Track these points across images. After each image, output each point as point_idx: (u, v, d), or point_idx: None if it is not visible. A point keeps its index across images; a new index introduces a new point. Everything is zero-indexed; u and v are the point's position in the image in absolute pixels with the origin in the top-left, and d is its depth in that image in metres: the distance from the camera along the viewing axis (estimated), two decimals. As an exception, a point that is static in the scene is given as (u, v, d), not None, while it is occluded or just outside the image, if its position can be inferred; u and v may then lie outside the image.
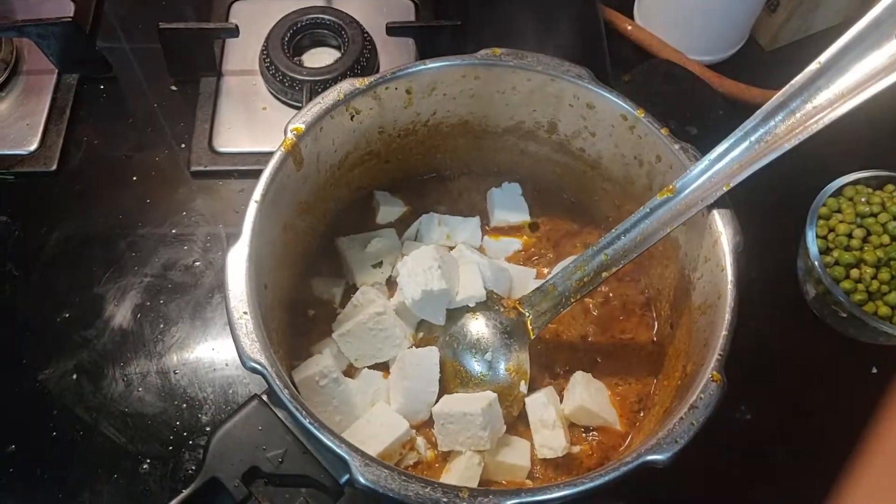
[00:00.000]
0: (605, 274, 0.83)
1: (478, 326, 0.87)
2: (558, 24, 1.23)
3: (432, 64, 0.86)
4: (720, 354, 0.71)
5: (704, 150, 0.79)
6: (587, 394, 0.86)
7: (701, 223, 0.80)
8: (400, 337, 0.88)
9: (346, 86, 0.83)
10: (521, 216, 1.00)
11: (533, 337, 0.87)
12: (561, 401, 0.87)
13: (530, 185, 1.02)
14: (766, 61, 1.28)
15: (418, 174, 1.02)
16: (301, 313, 0.92)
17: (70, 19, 1.10)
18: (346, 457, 0.65)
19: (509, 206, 0.99)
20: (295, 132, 0.80)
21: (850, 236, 0.98)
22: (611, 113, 0.87)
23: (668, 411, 0.74)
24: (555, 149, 0.96)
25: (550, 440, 0.84)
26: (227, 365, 0.98)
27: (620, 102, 0.85)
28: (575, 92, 0.87)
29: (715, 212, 0.78)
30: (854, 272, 0.97)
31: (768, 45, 1.28)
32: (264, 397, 0.71)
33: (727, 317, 0.73)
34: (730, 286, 0.75)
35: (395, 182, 1.01)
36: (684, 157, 0.81)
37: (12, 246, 1.05)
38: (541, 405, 0.84)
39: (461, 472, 0.81)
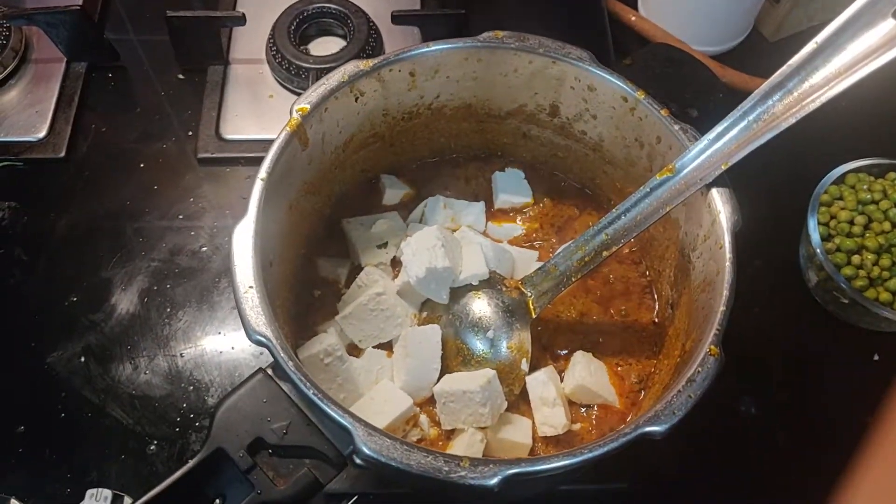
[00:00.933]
0: (605, 253, 0.83)
1: (480, 305, 0.88)
2: (562, 13, 1.24)
3: (435, 46, 0.87)
4: (718, 329, 0.72)
5: (704, 131, 0.79)
6: (587, 373, 0.86)
7: (700, 202, 0.81)
8: (402, 316, 0.88)
9: (350, 67, 0.84)
10: (525, 198, 1.00)
11: (535, 316, 0.87)
12: (562, 381, 0.88)
13: (533, 169, 1.02)
14: (769, 52, 1.28)
15: (422, 158, 1.03)
16: (307, 293, 0.93)
17: (78, 7, 1.11)
18: (350, 427, 0.65)
19: (513, 188, 1.00)
20: (300, 112, 0.81)
21: (851, 223, 0.99)
22: (611, 95, 0.87)
23: (667, 387, 0.75)
24: (557, 132, 0.97)
25: (551, 418, 0.84)
26: (233, 348, 0.99)
27: (621, 84, 0.86)
28: (576, 74, 0.88)
29: (714, 190, 0.78)
30: (855, 258, 0.97)
31: (772, 35, 1.29)
32: (269, 371, 0.73)
33: (725, 293, 0.74)
34: (728, 263, 0.75)
35: (399, 166, 1.02)
36: (684, 138, 0.82)
37: (21, 231, 1.07)
38: (541, 383, 0.85)
39: (464, 450, 0.82)
